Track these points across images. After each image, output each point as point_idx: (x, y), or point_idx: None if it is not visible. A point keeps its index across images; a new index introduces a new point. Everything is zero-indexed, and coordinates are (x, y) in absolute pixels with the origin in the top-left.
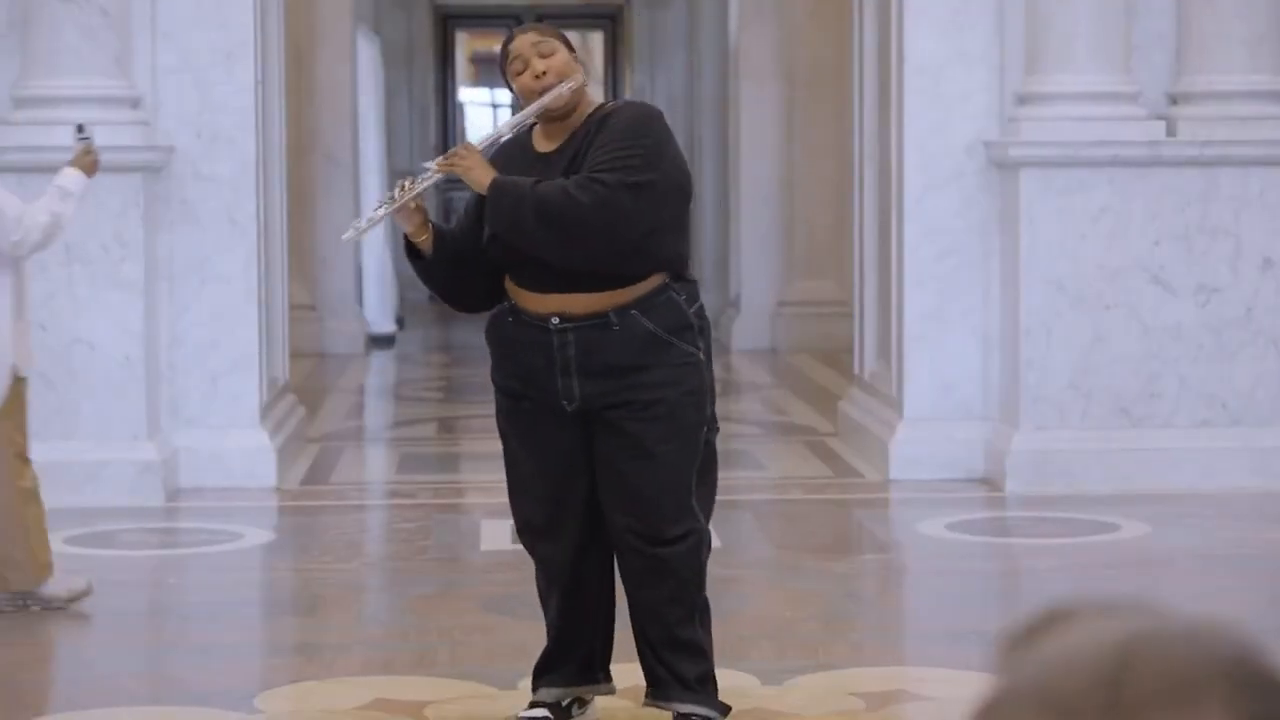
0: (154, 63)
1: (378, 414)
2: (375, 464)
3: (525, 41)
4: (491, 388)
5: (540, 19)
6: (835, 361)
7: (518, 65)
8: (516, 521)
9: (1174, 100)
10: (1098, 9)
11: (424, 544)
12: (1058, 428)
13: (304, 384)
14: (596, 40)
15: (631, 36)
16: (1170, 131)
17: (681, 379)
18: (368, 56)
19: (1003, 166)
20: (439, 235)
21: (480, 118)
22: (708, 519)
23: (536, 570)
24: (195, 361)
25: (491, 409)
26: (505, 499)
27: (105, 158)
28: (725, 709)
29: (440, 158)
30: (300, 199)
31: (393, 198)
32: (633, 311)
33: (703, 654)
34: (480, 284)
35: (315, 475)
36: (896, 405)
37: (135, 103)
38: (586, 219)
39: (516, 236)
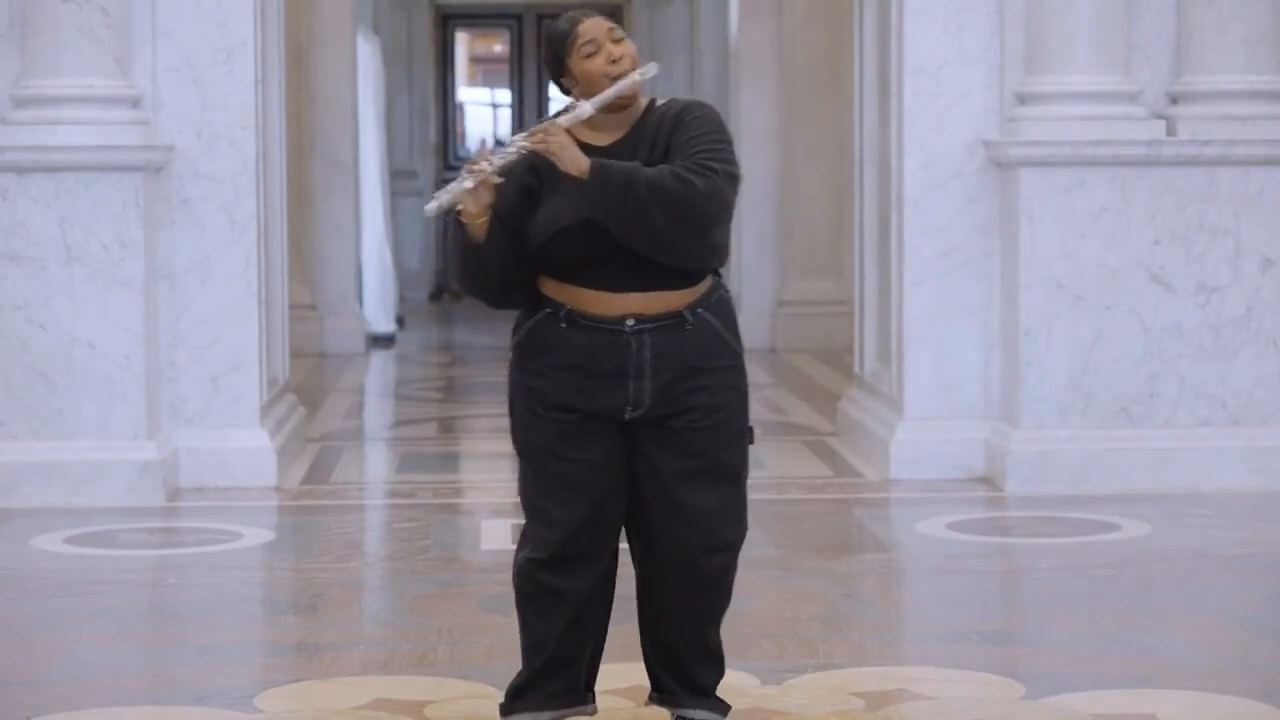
0: (154, 63)
1: (378, 414)
2: (375, 464)
3: (599, 26)
4: (489, 389)
5: (541, 19)
6: (835, 361)
7: (589, 48)
8: (539, 546)
9: (1174, 100)
10: (1098, 9)
11: (424, 544)
12: (1058, 428)
13: (304, 384)
14: None
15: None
16: (1170, 131)
17: (735, 381)
18: (368, 56)
19: (1003, 166)
20: (493, 224)
21: (480, 118)
22: (746, 524)
23: (534, 597)
24: (195, 361)
25: (491, 409)
26: (505, 498)
27: (105, 157)
28: (725, 708)
29: (523, 134)
30: (300, 199)
31: (480, 170)
32: (700, 309)
33: (721, 660)
34: (516, 280)
35: (315, 475)
36: (896, 405)
37: (135, 102)
38: (699, 203)
39: (623, 220)
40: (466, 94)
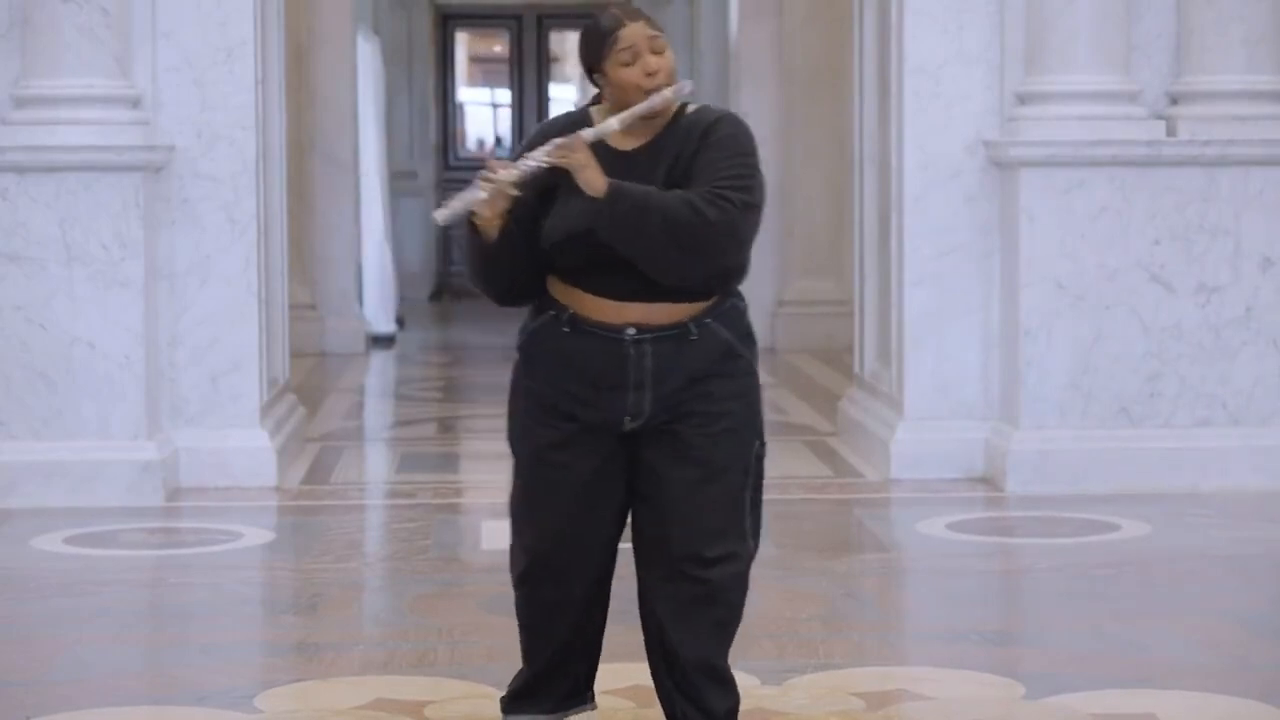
0: (154, 63)
1: (378, 414)
2: (375, 464)
3: (640, 32)
4: (489, 389)
5: (541, 19)
6: (835, 361)
7: (627, 56)
8: (525, 556)
9: (1174, 100)
10: (1098, 9)
11: (424, 544)
12: (1058, 428)
13: (304, 384)
14: None
15: None
16: (1170, 131)
17: (746, 390)
18: (368, 56)
19: (1003, 166)
20: (506, 223)
21: (480, 118)
22: (758, 541)
23: (530, 607)
24: (195, 361)
25: (491, 409)
26: (504, 499)
27: (105, 158)
28: None
29: (545, 147)
30: (300, 199)
31: (497, 181)
32: (707, 321)
33: (733, 685)
34: (525, 279)
35: (315, 475)
36: (896, 405)
37: (135, 103)
38: (712, 235)
39: (632, 245)
40: (466, 94)
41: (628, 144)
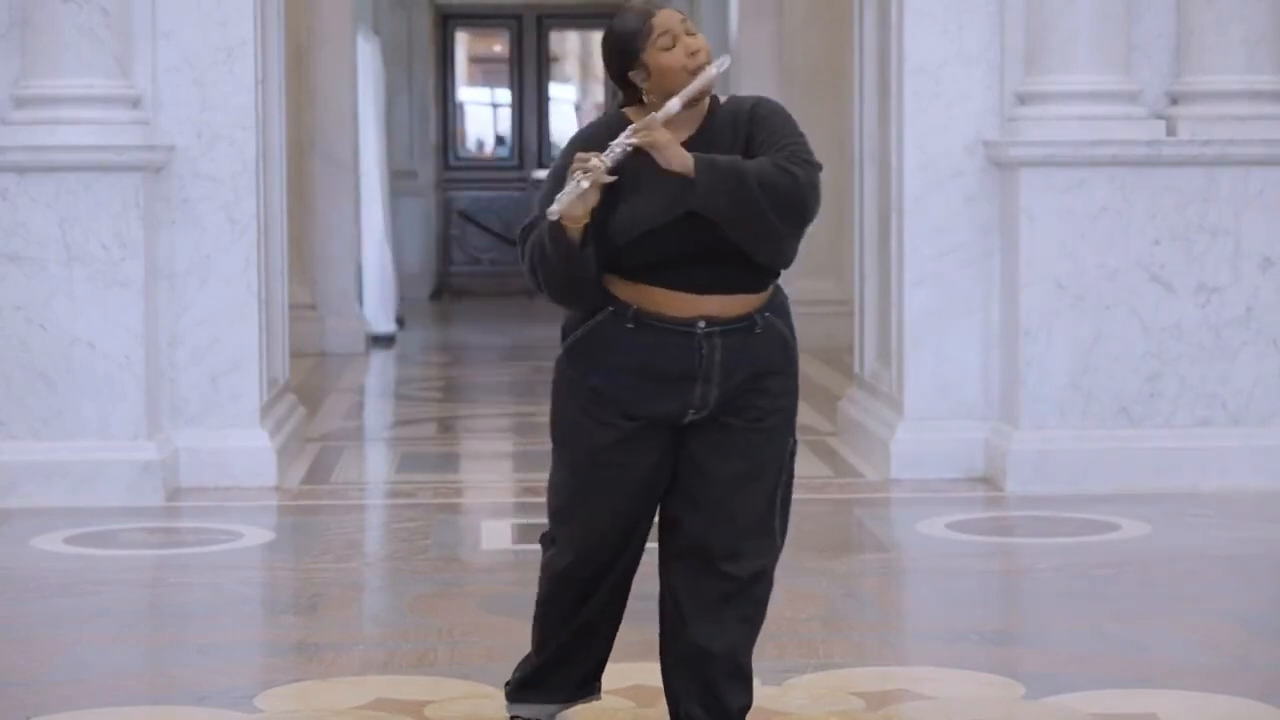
0: (154, 63)
1: (378, 414)
2: (375, 464)
3: (673, 17)
4: (489, 389)
5: (541, 19)
6: (835, 361)
7: (666, 40)
8: (570, 552)
9: (1174, 100)
10: (1098, 9)
11: (424, 544)
12: (1058, 427)
13: (304, 384)
14: (597, 40)
15: None
16: (1170, 131)
17: (793, 388)
18: (368, 56)
19: (1003, 166)
20: (587, 226)
21: (480, 118)
22: (784, 539)
23: (559, 600)
24: (195, 361)
25: (491, 409)
26: (505, 498)
27: (105, 157)
28: None
29: (627, 132)
30: (300, 199)
31: (594, 168)
32: (767, 314)
33: (750, 684)
34: (593, 281)
35: (315, 475)
36: (896, 405)
37: (135, 102)
38: (804, 194)
39: (730, 212)
40: (466, 94)
41: (676, 136)
